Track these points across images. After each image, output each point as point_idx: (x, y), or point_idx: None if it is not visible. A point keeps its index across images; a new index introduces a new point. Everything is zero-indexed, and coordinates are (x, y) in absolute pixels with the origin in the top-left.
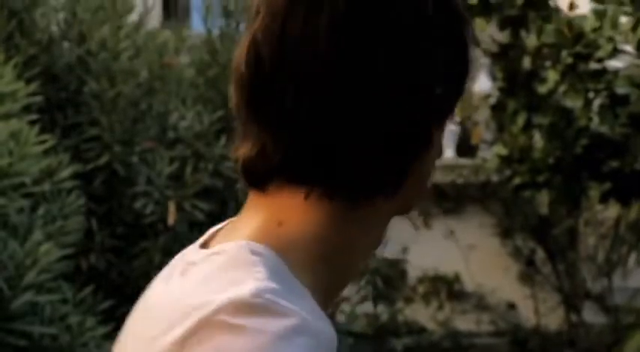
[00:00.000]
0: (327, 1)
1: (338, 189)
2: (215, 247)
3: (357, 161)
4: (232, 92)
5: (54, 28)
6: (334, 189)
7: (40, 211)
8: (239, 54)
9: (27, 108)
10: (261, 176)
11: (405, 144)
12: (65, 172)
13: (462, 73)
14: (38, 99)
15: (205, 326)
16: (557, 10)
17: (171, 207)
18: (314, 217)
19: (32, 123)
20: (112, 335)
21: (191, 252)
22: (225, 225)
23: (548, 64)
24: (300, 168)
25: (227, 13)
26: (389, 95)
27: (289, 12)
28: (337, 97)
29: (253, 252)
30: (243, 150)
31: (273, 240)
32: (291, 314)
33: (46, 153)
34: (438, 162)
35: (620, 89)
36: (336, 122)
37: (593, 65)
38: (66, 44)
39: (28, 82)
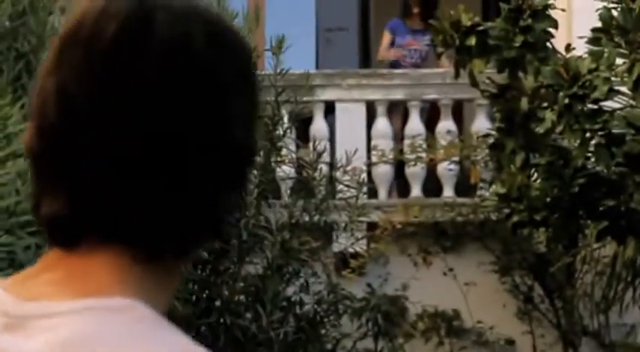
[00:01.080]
0: (147, 51)
1: (152, 249)
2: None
3: (178, 218)
4: (32, 141)
5: None
6: (147, 248)
7: (46, 249)
8: (43, 101)
9: None
10: (70, 234)
11: (222, 197)
12: None
13: (255, 124)
14: None
15: None
16: (554, 51)
17: None
18: (134, 276)
19: None
20: None
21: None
22: (27, 281)
23: (545, 104)
24: (111, 227)
25: None
26: (202, 148)
27: (110, 62)
28: (154, 151)
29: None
30: (48, 206)
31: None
32: None
33: None
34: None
35: (616, 129)
36: (152, 178)
37: (590, 106)
38: None
39: None
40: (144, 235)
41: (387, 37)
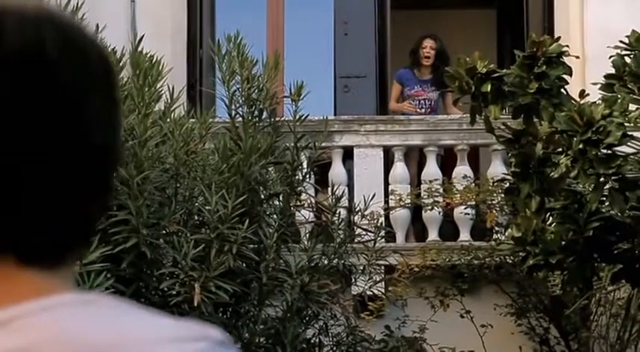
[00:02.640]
0: None
1: (41, 253)
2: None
3: (54, 221)
4: None
5: None
6: (37, 253)
7: None
8: None
9: None
10: None
11: (93, 198)
12: (94, 255)
13: (118, 122)
14: None
15: None
16: (568, 98)
17: (197, 288)
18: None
19: None
20: None
21: None
22: None
23: (560, 149)
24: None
25: (250, 101)
26: (63, 154)
27: None
28: (18, 160)
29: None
30: None
31: None
32: None
33: None
34: (454, 244)
35: (630, 174)
36: (18, 185)
37: (604, 151)
38: None
39: None
40: (22, 239)
41: (396, 89)
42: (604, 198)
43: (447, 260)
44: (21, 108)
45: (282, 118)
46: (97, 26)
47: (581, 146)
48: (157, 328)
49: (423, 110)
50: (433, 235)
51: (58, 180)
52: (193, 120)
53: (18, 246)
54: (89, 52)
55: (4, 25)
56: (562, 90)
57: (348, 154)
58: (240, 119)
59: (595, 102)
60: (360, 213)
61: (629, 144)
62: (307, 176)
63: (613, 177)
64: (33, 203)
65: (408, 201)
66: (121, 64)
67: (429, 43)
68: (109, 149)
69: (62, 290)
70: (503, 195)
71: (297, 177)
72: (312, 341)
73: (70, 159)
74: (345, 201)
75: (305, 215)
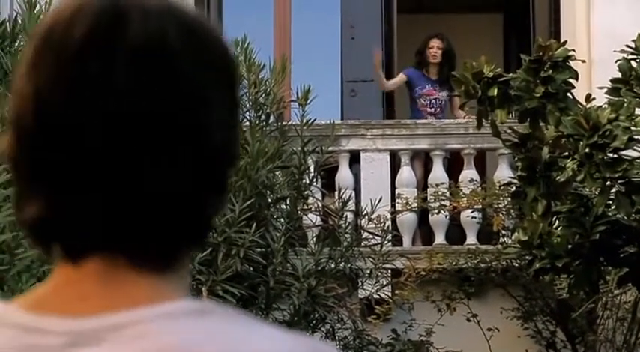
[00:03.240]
0: (122, 50)
1: (146, 252)
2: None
3: (168, 215)
4: (10, 146)
5: None
6: (139, 252)
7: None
8: (19, 106)
9: None
10: (55, 237)
11: (208, 195)
12: None
13: (237, 121)
14: None
15: None
16: (574, 102)
17: (204, 292)
18: (161, 281)
19: None
20: None
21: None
22: (50, 298)
23: (566, 153)
24: (100, 234)
25: (257, 106)
26: (182, 145)
27: (83, 62)
28: (133, 145)
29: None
30: (28, 210)
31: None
32: None
33: None
34: (461, 248)
35: (636, 177)
36: (133, 173)
37: (610, 155)
38: None
39: None
40: (136, 239)
41: (400, 78)
42: (610, 202)
43: (454, 263)
44: (143, 101)
45: (289, 122)
46: None
47: (587, 150)
48: (273, 341)
49: (433, 109)
50: (440, 239)
51: (173, 180)
52: None
53: (129, 247)
54: (213, 47)
55: (128, 19)
56: (568, 94)
57: (354, 158)
58: (248, 123)
59: (601, 106)
60: (366, 217)
61: (635, 147)
62: (314, 180)
63: (619, 181)
64: (148, 202)
65: (415, 204)
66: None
67: (435, 43)
68: (227, 149)
69: (175, 296)
70: (509, 199)
71: (304, 181)
72: None
73: (187, 156)
74: (351, 205)
75: (312, 219)
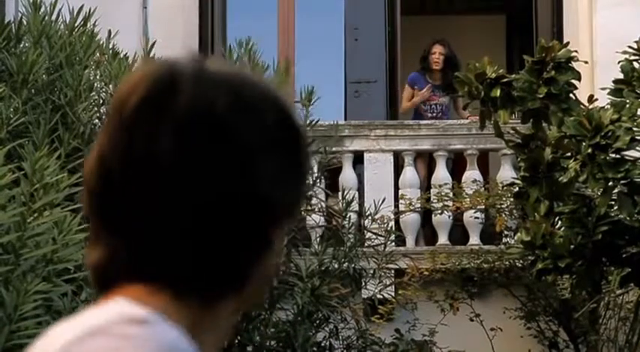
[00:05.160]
0: (169, 118)
1: (189, 288)
2: None
3: (203, 263)
4: (83, 202)
5: (96, 121)
6: (186, 288)
7: (83, 296)
8: (89, 167)
9: (70, 198)
10: (111, 278)
11: (246, 248)
12: None
13: (296, 182)
14: (80, 189)
15: None
16: (577, 102)
17: None
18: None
19: (74, 211)
20: None
21: None
22: None
23: (568, 154)
24: (152, 269)
25: None
26: (225, 205)
27: (134, 130)
28: (179, 207)
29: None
30: (93, 255)
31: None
32: None
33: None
34: (464, 248)
35: (638, 178)
36: (178, 230)
37: (612, 155)
38: None
39: (71, 172)
40: (170, 276)
41: (407, 91)
42: (613, 203)
43: (457, 264)
44: (185, 160)
45: None
46: (109, 32)
47: (589, 150)
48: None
49: (434, 114)
50: (443, 239)
51: (215, 227)
52: None
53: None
54: (265, 113)
55: (179, 85)
56: (571, 95)
57: (358, 159)
58: None
59: (604, 107)
60: (370, 217)
61: (637, 148)
62: (318, 180)
63: (622, 182)
64: (190, 247)
65: (418, 205)
66: (132, 70)
67: (438, 49)
68: (275, 202)
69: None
70: (512, 200)
71: (307, 181)
72: (323, 344)
73: (232, 212)
74: (355, 206)
75: (316, 219)
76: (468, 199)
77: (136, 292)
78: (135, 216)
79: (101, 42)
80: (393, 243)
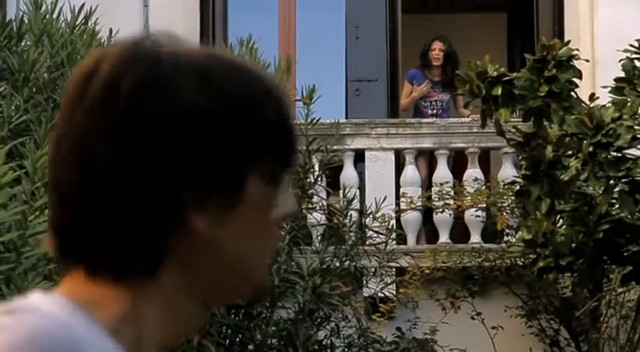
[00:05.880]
0: (84, 99)
1: (105, 267)
2: None
3: (113, 240)
4: None
5: None
6: (101, 266)
7: None
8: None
9: None
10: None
11: (153, 227)
12: None
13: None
14: None
15: None
16: (578, 101)
17: None
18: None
19: None
20: None
21: None
22: None
23: (570, 152)
24: (73, 252)
25: None
26: (127, 186)
27: (62, 114)
28: (85, 186)
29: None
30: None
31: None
32: None
33: None
34: (465, 246)
35: (639, 176)
36: (90, 209)
37: (613, 153)
38: None
39: None
40: (84, 256)
41: (407, 87)
42: (614, 201)
43: (458, 262)
44: (91, 142)
45: (294, 121)
46: (111, 30)
47: (591, 149)
48: None
49: (435, 111)
50: (444, 237)
51: (118, 206)
52: None
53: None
54: (180, 89)
55: (101, 66)
56: (572, 93)
57: (359, 157)
58: None
59: (605, 105)
60: (371, 216)
61: (638, 146)
62: (319, 179)
63: (623, 180)
64: (101, 225)
65: (419, 203)
66: None
67: (437, 45)
68: (183, 184)
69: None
70: (513, 198)
71: (308, 179)
72: (324, 342)
73: (133, 194)
74: (356, 204)
75: (317, 217)
76: (469, 197)
77: (72, 279)
78: (60, 196)
79: (102, 40)
80: (394, 242)
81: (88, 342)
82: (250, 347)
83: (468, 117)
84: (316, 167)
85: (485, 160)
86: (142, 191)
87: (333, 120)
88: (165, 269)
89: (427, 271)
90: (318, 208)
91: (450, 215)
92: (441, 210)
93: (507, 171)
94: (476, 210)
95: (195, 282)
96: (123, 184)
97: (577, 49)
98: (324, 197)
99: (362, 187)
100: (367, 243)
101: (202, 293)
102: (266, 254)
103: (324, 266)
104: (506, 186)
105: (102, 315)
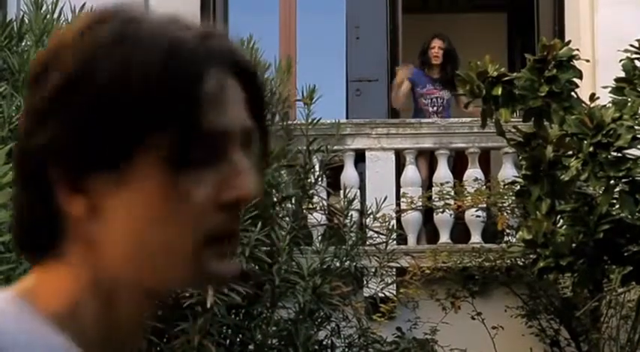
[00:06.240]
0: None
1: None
2: None
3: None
4: None
5: None
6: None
7: None
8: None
9: None
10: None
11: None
12: None
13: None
14: None
15: None
16: (578, 101)
17: (210, 290)
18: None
19: None
20: None
21: None
22: None
23: (570, 152)
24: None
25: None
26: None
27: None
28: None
29: None
30: None
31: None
32: None
33: None
34: (465, 246)
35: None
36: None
37: (614, 154)
38: None
39: None
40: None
41: (406, 85)
42: (614, 201)
43: (458, 262)
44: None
45: (295, 122)
46: None
47: (591, 149)
48: None
49: (435, 108)
50: (444, 237)
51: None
52: None
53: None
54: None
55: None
56: (572, 93)
57: (359, 157)
58: None
59: (605, 105)
60: (371, 216)
61: (639, 146)
62: (319, 179)
63: (623, 180)
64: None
65: (420, 203)
66: None
67: (437, 43)
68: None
69: None
70: (514, 198)
71: (309, 180)
72: (325, 342)
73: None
74: (356, 204)
75: (317, 217)
76: (470, 198)
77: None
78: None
79: None
80: (395, 242)
81: (21, 337)
82: (251, 347)
83: (471, 113)
84: (317, 167)
85: (486, 160)
86: (23, 165)
87: (333, 121)
88: (73, 251)
89: (427, 271)
90: (318, 208)
91: (451, 215)
92: (441, 210)
93: (508, 171)
94: (476, 210)
95: (108, 268)
96: (20, 155)
97: (577, 49)
98: (325, 197)
99: (362, 187)
100: (367, 243)
101: (131, 281)
102: (181, 244)
103: (325, 267)
104: (506, 186)
105: (41, 304)
